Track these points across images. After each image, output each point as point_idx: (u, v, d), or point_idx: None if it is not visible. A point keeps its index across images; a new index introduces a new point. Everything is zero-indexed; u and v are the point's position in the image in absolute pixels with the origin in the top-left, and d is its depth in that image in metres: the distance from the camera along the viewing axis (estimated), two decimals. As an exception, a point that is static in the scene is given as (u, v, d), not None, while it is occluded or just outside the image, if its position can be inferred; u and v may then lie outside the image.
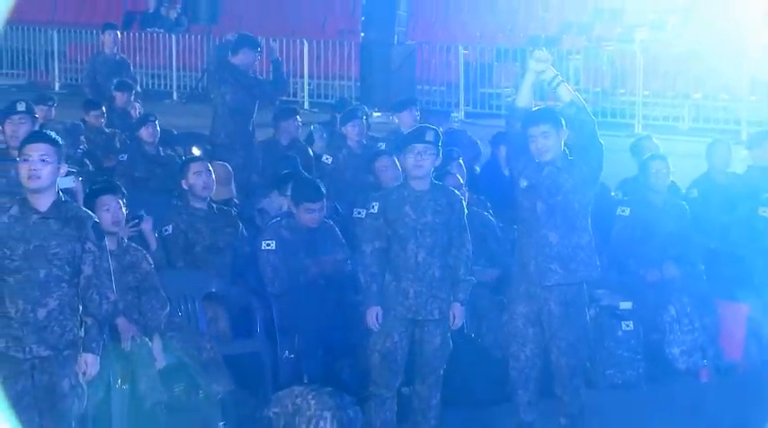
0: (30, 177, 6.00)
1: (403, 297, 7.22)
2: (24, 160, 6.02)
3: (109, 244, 7.64)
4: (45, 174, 6.01)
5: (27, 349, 6.01)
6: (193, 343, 7.76)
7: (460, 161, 9.76)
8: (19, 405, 6.04)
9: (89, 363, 6.08)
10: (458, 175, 9.29)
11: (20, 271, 6.01)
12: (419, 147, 7.17)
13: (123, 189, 7.93)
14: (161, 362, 7.61)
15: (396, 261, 7.26)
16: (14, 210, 6.07)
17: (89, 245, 6.08)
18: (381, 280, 7.27)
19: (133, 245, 7.89)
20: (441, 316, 7.27)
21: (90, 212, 6.28)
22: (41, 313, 6.01)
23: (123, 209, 7.76)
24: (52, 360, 6.05)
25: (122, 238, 7.79)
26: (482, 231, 9.07)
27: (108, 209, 7.63)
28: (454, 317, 7.34)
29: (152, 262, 7.86)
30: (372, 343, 7.29)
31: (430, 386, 7.35)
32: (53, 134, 6.27)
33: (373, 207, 7.34)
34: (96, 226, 6.16)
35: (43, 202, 6.05)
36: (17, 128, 7.81)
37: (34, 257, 6.00)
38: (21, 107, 8.01)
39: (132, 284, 7.71)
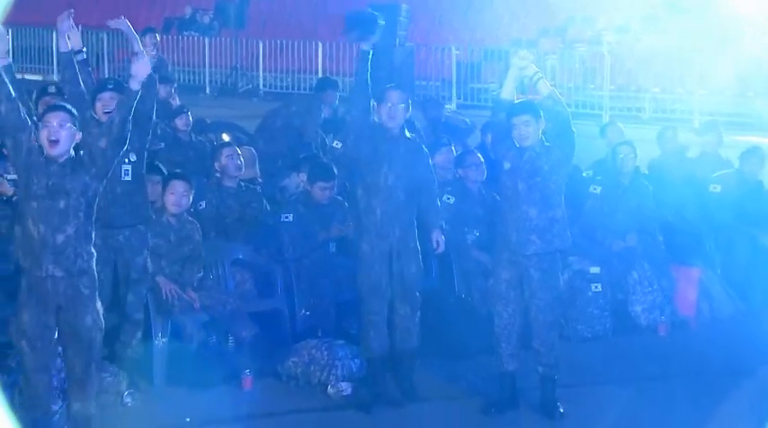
0: (49, 140, 5.96)
1: (372, 214, 7.16)
2: (45, 126, 5.98)
3: (171, 220, 7.67)
4: (63, 137, 5.96)
5: (45, 268, 5.96)
6: (219, 299, 7.76)
7: (452, 148, 9.71)
8: (42, 339, 6.03)
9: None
10: (478, 154, 9.26)
11: (43, 198, 5.96)
12: (393, 98, 7.14)
13: (191, 178, 7.90)
14: (197, 303, 7.60)
15: (368, 180, 7.17)
16: (40, 160, 5.99)
17: (92, 149, 6.06)
18: None
19: (189, 218, 7.89)
20: (403, 236, 7.19)
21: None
22: (60, 238, 5.96)
23: (189, 197, 7.76)
24: (75, 299, 6.02)
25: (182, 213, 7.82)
26: (493, 208, 9.03)
27: (173, 193, 7.67)
28: (438, 243, 7.33)
29: (201, 233, 7.86)
30: (360, 277, 7.26)
31: (412, 306, 7.30)
32: (69, 106, 6.20)
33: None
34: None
35: (60, 159, 6.01)
36: (108, 104, 7.47)
37: (55, 191, 5.96)
38: (111, 85, 7.65)
39: (186, 255, 7.73)
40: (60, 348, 6.22)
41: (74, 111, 6.12)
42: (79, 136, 6.07)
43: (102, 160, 6.06)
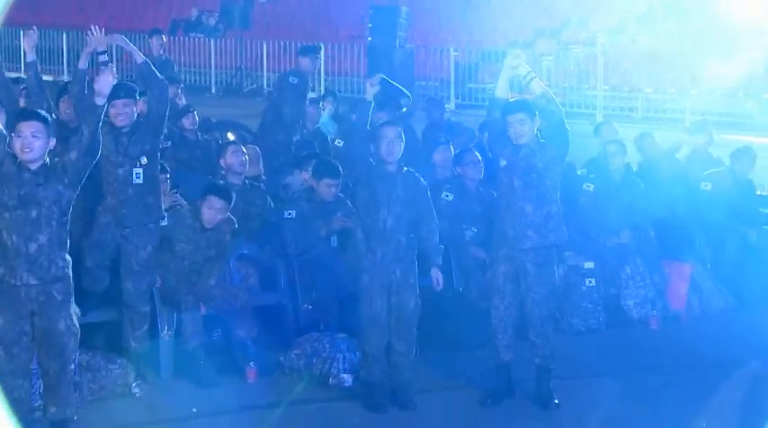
0: (22, 151, 5.91)
1: (372, 255, 7.05)
2: (18, 136, 5.92)
3: (207, 224, 7.57)
4: (36, 147, 5.91)
5: (19, 276, 5.93)
6: (231, 292, 7.75)
7: (450, 146, 9.71)
8: (18, 345, 6.00)
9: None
10: (476, 152, 9.23)
11: (15, 209, 5.92)
12: (390, 134, 7.02)
13: (231, 194, 7.72)
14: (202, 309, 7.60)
15: (367, 223, 7.05)
16: (13, 169, 5.94)
17: (64, 159, 5.99)
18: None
19: (230, 216, 7.70)
20: (404, 274, 7.06)
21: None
22: (32, 247, 5.92)
23: (225, 213, 7.58)
24: (48, 304, 5.97)
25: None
26: (490, 205, 9.03)
27: (210, 208, 7.56)
28: (437, 281, 7.18)
29: (232, 231, 7.76)
30: (361, 308, 7.12)
31: (407, 342, 7.16)
32: (43, 112, 6.16)
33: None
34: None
35: (33, 166, 5.96)
36: (121, 111, 7.41)
37: (27, 201, 5.91)
38: (123, 93, 7.58)
39: (212, 256, 7.65)
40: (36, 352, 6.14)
41: (48, 118, 6.05)
42: (53, 142, 6.00)
43: (73, 170, 5.99)
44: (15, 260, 5.93)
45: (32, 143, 5.91)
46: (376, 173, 7.07)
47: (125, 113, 7.25)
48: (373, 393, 7.15)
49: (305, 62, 11.48)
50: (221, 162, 8.82)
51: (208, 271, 7.65)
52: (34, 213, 5.92)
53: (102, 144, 7.23)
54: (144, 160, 7.25)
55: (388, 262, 7.05)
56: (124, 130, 7.25)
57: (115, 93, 7.31)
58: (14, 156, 5.96)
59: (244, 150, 8.96)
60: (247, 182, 8.92)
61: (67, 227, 6.07)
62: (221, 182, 8.25)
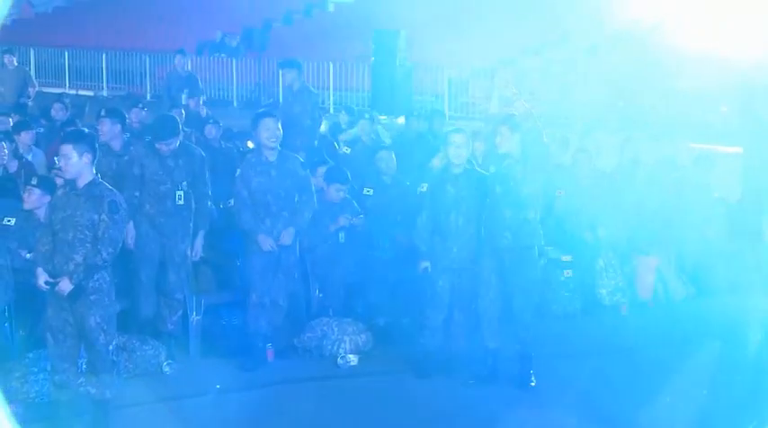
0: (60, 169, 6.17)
1: (449, 252, 7.18)
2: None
3: (270, 156, 7.42)
4: (67, 165, 5.98)
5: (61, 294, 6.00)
6: (292, 278, 7.69)
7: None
8: (63, 332, 6.06)
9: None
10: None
11: (58, 233, 5.99)
12: (458, 140, 7.17)
13: (278, 115, 7.65)
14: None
15: (441, 226, 7.18)
16: (66, 186, 6.10)
17: (103, 216, 5.97)
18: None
19: (291, 154, 7.63)
20: (470, 259, 7.22)
21: (113, 191, 6.10)
22: (71, 266, 5.98)
23: (279, 131, 7.44)
24: (80, 301, 5.99)
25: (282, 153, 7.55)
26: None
27: (266, 129, 7.39)
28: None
29: (304, 169, 7.63)
30: (424, 288, 7.33)
31: (467, 314, 7.30)
32: (77, 135, 6.15)
33: (423, 186, 7.31)
34: (112, 203, 5.99)
35: (80, 183, 6.01)
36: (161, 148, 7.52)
37: (66, 223, 5.97)
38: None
39: (290, 187, 7.47)
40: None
41: (81, 137, 6.06)
42: (87, 157, 5.96)
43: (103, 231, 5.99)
44: (60, 276, 5.98)
45: (64, 163, 6.00)
46: (441, 177, 7.20)
47: (167, 149, 7.42)
48: (426, 360, 7.26)
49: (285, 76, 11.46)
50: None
51: (302, 213, 7.50)
52: (71, 235, 5.98)
53: (146, 166, 7.30)
54: (185, 186, 7.42)
55: (457, 251, 7.16)
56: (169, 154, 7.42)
57: (161, 135, 7.36)
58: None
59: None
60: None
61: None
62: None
